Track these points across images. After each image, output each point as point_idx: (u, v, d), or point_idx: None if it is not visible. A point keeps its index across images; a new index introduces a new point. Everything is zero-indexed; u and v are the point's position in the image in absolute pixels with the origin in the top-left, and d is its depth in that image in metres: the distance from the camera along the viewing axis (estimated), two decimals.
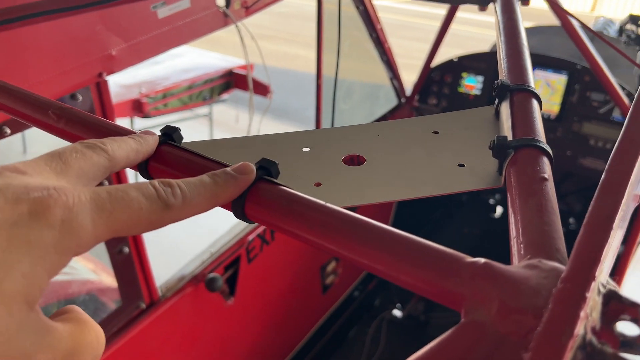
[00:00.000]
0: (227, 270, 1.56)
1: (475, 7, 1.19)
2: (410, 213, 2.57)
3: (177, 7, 1.12)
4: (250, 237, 1.61)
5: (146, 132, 0.41)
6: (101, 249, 1.23)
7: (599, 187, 0.31)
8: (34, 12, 0.73)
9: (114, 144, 0.36)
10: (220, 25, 1.25)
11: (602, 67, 1.41)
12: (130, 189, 0.30)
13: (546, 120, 2.11)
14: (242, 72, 3.86)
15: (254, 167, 0.37)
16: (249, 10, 1.32)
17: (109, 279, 1.54)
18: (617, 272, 1.77)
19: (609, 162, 0.32)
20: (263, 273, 1.73)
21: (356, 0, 1.97)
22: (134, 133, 0.42)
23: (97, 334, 0.29)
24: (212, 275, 1.45)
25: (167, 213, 0.31)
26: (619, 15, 12.11)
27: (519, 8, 0.69)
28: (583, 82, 2.03)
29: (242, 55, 1.63)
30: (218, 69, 3.84)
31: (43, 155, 0.31)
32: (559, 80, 2.05)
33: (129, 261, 1.23)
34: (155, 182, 0.32)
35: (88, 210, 0.28)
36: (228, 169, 0.36)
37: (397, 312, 2.41)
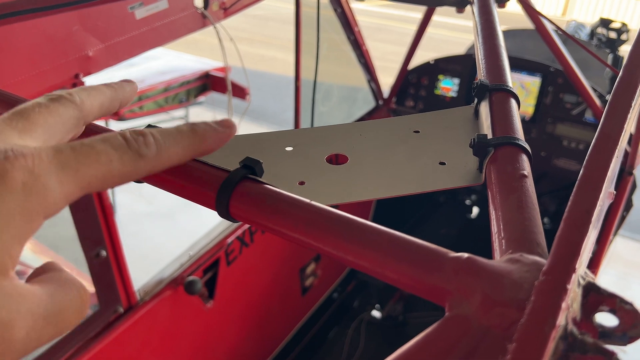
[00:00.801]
0: (206, 273, 1.55)
1: (450, 10, 1.21)
2: (388, 213, 2.59)
3: (155, 8, 1.11)
4: (230, 240, 1.61)
5: (125, 81, 0.38)
6: (78, 253, 1.22)
7: (577, 182, 0.32)
8: (9, 12, 0.72)
9: (82, 93, 0.33)
10: (198, 27, 1.25)
11: (575, 70, 1.45)
12: (96, 142, 0.28)
13: (521, 121, 2.15)
14: (218, 74, 3.84)
15: (235, 123, 0.36)
16: (227, 11, 1.31)
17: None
18: (590, 269, 1.81)
19: (587, 157, 0.33)
20: (242, 275, 1.73)
21: (334, 2, 1.98)
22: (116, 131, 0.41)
23: (79, 292, 0.28)
24: (191, 278, 1.44)
25: (141, 163, 0.29)
26: (589, 19, 12.40)
27: (496, 10, 0.70)
28: (556, 84, 2.07)
29: (218, 57, 1.62)
30: (194, 71, 3.82)
31: (4, 114, 0.29)
32: (533, 82, 2.09)
33: (106, 265, 1.21)
34: (126, 131, 0.30)
35: (52, 169, 0.26)
36: (210, 121, 0.35)
37: (375, 313, 2.42)
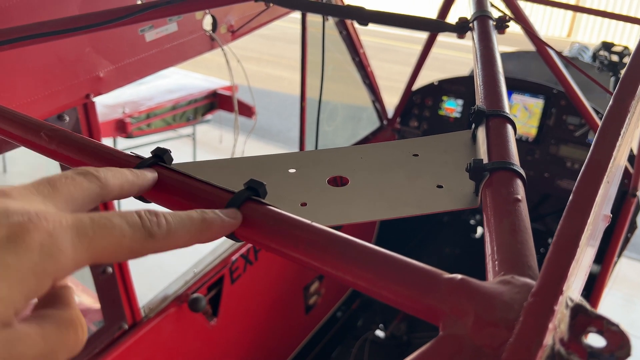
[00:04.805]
0: (210, 291, 1.56)
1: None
2: (392, 233, 2.59)
3: (165, 31, 1.14)
4: (234, 257, 1.62)
5: (148, 170, 0.41)
6: (85, 269, 1.23)
7: (566, 208, 0.33)
8: (23, 35, 0.75)
9: (107, 173, 0.36)
10: (206, 49, 1.28)
11: (577, 92, 1.46)
12: (114, 216, 0.30)
13: (524, 142, 2.16)
14: (226, 93, 3.89)
15: (241, 215, 0.37)
16: (234, 34, 1.34)
17: (89, 300, 1.53)
18: (595, 290, 1.80)
19: (576, 184, 0.34)
20: (246, 293, 1.73)
21: (339, 25, 2.01)
22: (126, 154, 0.43)
23: (75, 334, 0.29)
24: (195, 295, 1.45)
25: (150, 243, 0.31)
26: (594, 40, 12.45)
27: (496, 36, 0.72)
28: (559, 106, 2.08)
29: (226, 76, 1.66)
30: (202, 90, 3.87)
31: (34, 181, 0.32)
32: (536, 104, 2.11)
33: (112, 281, 1.23)
34: (142, 211, 0.32)
35: (69, 235, 0.28)
36: (218, 210, 0.36)
37: (379, 333, 2.41)
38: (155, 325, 1.35)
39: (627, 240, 1.90)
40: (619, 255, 1.90)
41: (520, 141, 2.16)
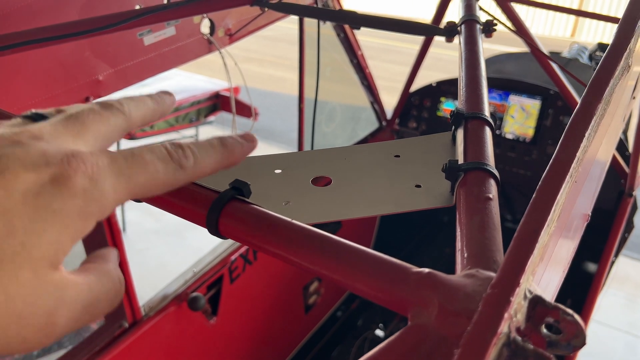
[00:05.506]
0: (209, 290, 1.58)
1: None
2: (392, 234, 2.61)
3: (163, 35, 1.16)
4: (233, 257, 1.64)
5: (164, 92, 0.41)
6: None
7: (529, 204, 0.35)
8: (25, 40, 0.77)
9: (131, 104, 0.36)
10: (204, 52, 1.30)
11: (572, 93, 1.48)
12: (145, 152, 0.31)
13: (522, 143, 2.17)
14: (228, 94, 3.92)
15: (256, 138, 0.39)
16: (232, 37, 1.37)
17: None
18: (592, 289, 1.82)
19: (540, 182, 0.36)
20: (245, 293, 1.75)
21: (337, 28, 2.03)
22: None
23: (114, 285, 0.31)
24: (194, 294, 1.47)
25: (181, 174, 0.32)
26: (598, 40, 12.43)
27: (482, 41, 0.74)
28: (556, 106, 2.10)
29: (228, 78, 1.68)
30: (205, 92, 3.89)
31: (60, 118, 0.31)
32: (533, 105, 2.12)
33: None
34: (167, 144, 0.32)
35: (107, 176, 0.28)
36: (235, 135, 0.38)
37: (379, 332, 2.43)
38: (155, 324, 1.37)
39: (624, 240, 1.92)
40: (616, 255, 1.91)
41: (517, 142, 2.17)
